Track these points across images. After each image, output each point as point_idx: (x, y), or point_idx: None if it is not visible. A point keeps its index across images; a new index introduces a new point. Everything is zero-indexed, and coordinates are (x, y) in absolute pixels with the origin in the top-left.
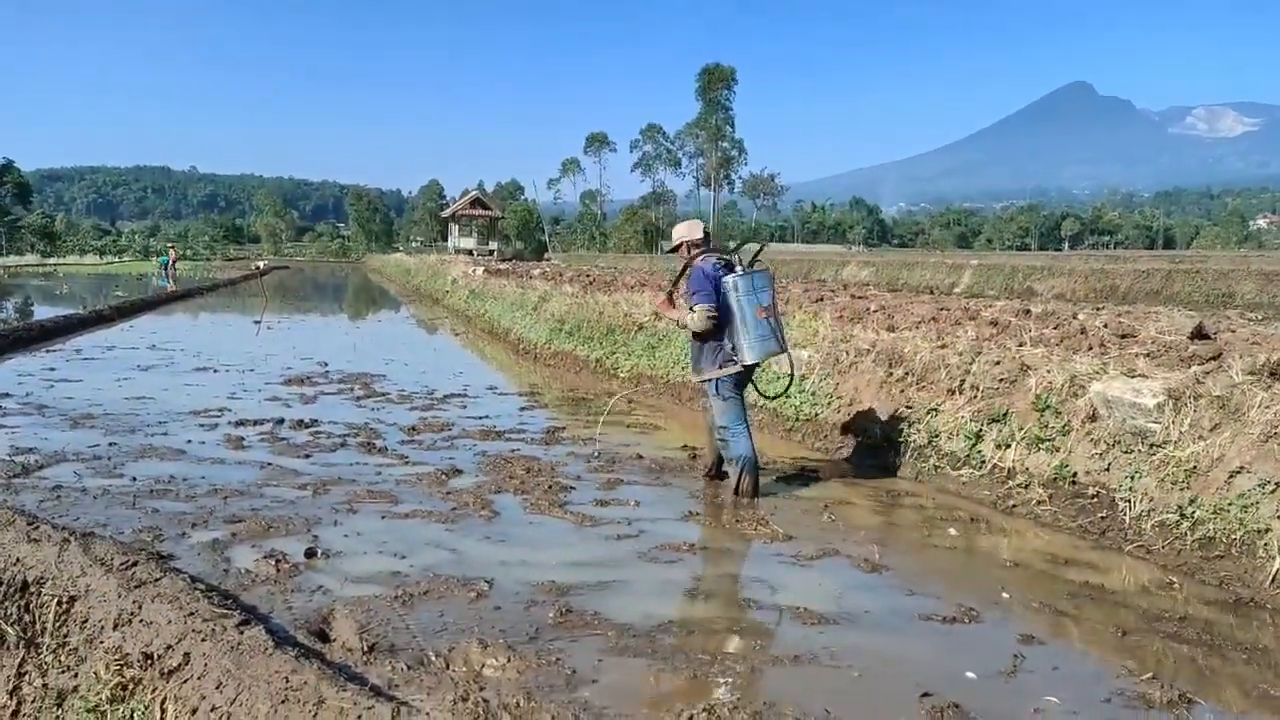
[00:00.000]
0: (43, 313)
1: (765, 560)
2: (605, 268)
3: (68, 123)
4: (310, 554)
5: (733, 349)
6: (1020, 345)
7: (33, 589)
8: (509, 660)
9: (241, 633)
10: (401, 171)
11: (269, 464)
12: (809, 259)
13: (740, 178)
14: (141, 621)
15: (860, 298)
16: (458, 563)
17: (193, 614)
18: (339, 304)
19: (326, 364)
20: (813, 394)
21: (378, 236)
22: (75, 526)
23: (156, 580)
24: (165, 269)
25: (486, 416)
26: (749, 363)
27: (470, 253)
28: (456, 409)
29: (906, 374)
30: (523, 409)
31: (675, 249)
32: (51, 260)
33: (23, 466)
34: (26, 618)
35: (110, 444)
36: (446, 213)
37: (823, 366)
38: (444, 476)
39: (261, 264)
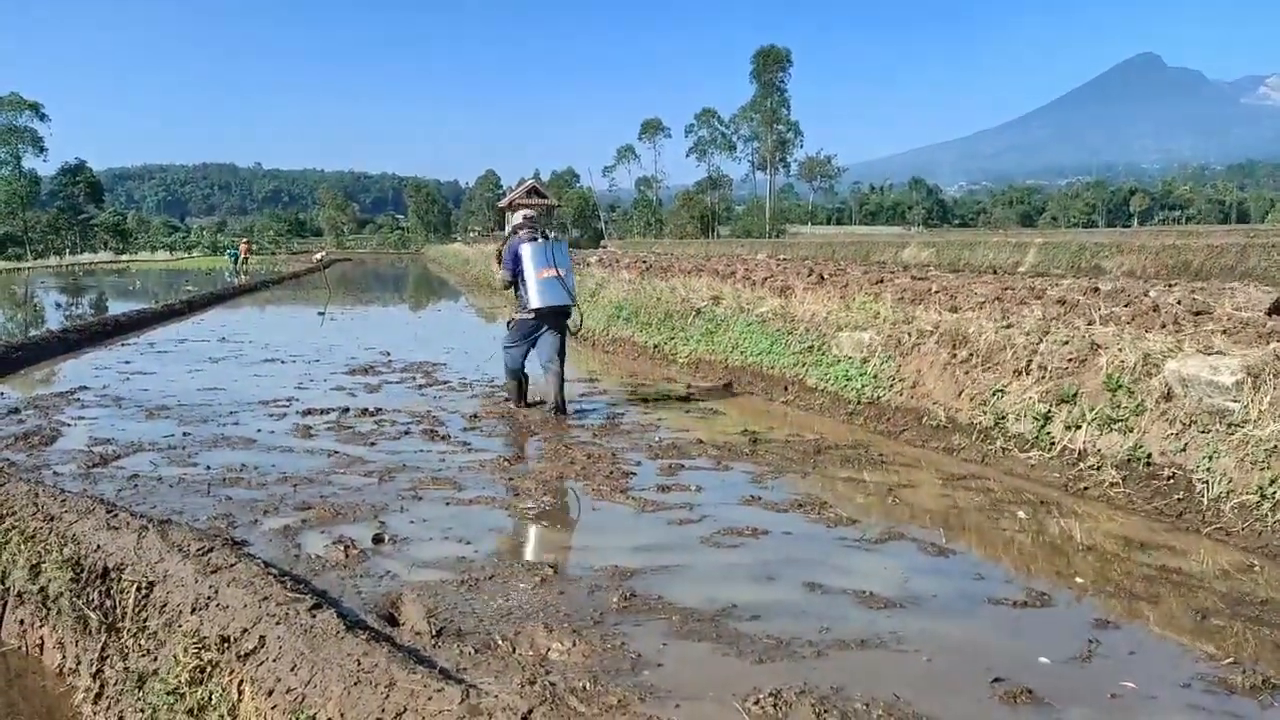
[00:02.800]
0: (117, 308)
1: (828, 544)
2: (662, 253)
3: (137, 123)
4: (378, 540)
5: (525, 298)
6: (1089, 324)
7: (113, 575)
8: (574, 644)
9: (314, 616)
10: (458, 163)
11: (336, 452)
12: (868, 241)
13: (796, 160)
14: (218, 606)
15: (921, 279)
16: (521, 548)
17: (267, 598)
18: (400, 294)
19: (389, 353)
20: (874, 377)
21: (436, 227)
22: (153, 514)
23: (231, 565)
24: (236, 263)
25: (547, 403)
26: (533, 307)
27: None
28: None
29: (971, 355)
30: (582, 395)
31: (514, 230)
32: (124, 257)
33: (101, 456)
34: (108, 603)
35: (184, 434)
36: (503, 202)
37: (884, 349)
38: (506, 463)
39: (320, 255)
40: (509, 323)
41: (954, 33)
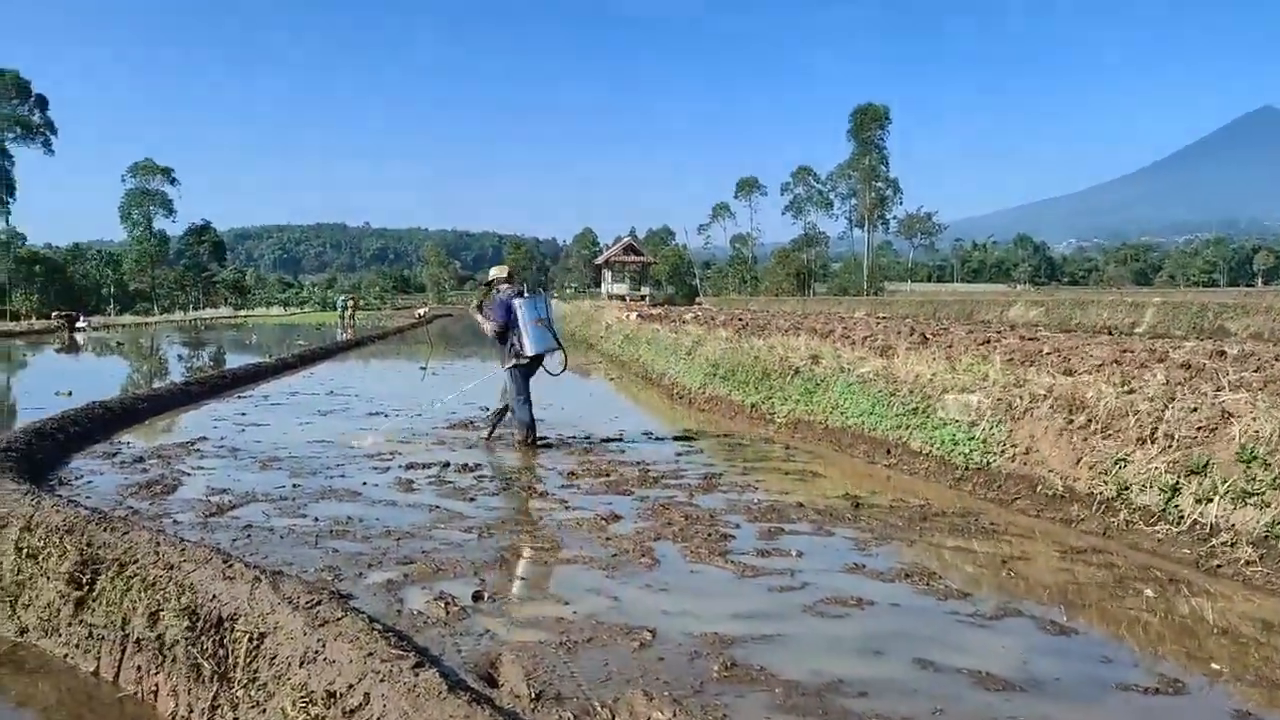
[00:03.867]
0: (234, 360)
1: (939, 618)
2: (757, 311)
3: (258, 186)
4: (477, 597)
5: (519, 346)
6: (1218, 390)
7: (226, 625)
8: (674, 714)
9: (417, 674)
10: (556, 220)
11: (436, 506)
12: (971, 299)
13: (895, 217)
14: (325, 660)
15: (1031, 339)
16: (620, 610)
17: (371, 654)
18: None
19: (488, 409)
20: (983, 441)
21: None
22: (265, 564)
23: (338, 620)
24: (342, 317)
25: (643, 461)
26: (529, 354)
27: (623, 298)
28: (614, 454)
29: (1089, 421)
30: (679, 455)
31: (489, 283)
32: (241, 312)
33: (218, 506)
34: (220, 652)
35: (294, 485)
36: (600, 259)
37: (994, 412)
38: (604, 522)
39: (422, 311)
40: (510, 375)
41: (1062, 88)
